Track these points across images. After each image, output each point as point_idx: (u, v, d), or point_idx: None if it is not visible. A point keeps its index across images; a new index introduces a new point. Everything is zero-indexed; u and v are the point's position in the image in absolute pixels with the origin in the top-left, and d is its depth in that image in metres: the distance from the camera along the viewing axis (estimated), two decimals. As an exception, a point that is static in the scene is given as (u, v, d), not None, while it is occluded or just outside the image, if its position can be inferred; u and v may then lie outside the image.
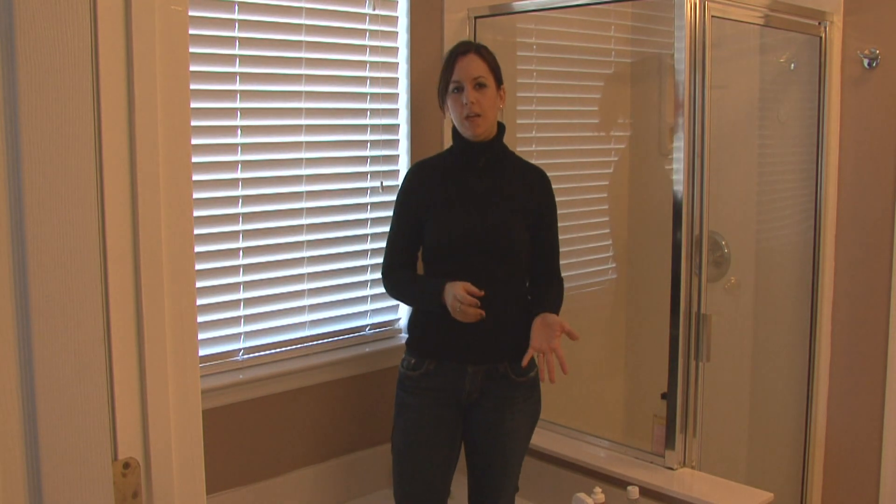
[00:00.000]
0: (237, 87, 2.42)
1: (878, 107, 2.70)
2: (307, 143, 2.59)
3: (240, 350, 2.51)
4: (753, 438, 3.14)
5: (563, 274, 2.40)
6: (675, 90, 2.39)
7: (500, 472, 2.29)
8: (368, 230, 2.78)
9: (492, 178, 2.29)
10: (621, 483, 2.43)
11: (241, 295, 2.49)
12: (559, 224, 2.38)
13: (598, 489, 2.33)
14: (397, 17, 2.81)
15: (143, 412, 0.90)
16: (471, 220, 2.24)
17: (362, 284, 2.79)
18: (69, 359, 0.81)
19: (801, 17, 2.74)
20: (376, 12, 2.73)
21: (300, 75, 2.56)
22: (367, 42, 2.73)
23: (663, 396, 2.49)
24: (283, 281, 2.59)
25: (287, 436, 2.61)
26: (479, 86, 2.22)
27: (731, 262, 3.04)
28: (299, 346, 2.64)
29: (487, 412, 2.27)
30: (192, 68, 2.00)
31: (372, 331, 2.84)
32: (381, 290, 2.75)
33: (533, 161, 2.42)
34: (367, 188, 2.76)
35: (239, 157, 2.44)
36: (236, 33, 2.40)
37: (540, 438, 2.38)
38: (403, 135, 2.85)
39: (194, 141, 2.16)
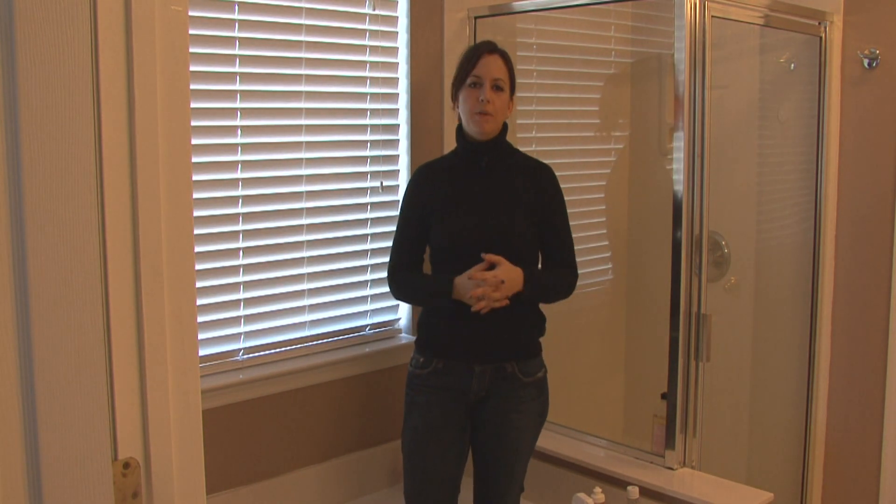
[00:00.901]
0: (237, 87, 2.42)
1: (878, 107, 2.70)
2: (307, 143, 2.59)
3: (240, 350, 2.51)
4: (753, 438, 3.14)
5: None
6: (675, 90, 2.39)
7: (506, 472, 2.30)
8: (368, 230, 2.78)
9: (497, 177, 2.30)
10: (621, 483, 2.43)
11: (241, 295, 2.50)
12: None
13: (598, 489, 2.33)
14: (397, 18, 2.81)
15: (143, 412, 0.90)
16: (476, 220, 2.25)
17: (362, 284, 2.79)
18: (69, 359, 0.81)
19: (801, 17, 2.74)
20: (376, 12, 2.73)
21: (300, 75, 2.56)
22: (366, 42, 2.73)
23: (663, 396, 2.50)
24: (283, 281, 2.59)
25: (287, 436, 2.61)
26: (497, 88, 2.25)
27: (731, 262, 3.04)
28: (299, 346, 2.64)
29: (495, 412, 2.28)
30: (192, 68, 2.00)
31: (372, 331, 2.84)
32: (382, 290, 2.75)
33: (534, 160, 2.42)
34: (366, 188, 2.76)
35: (239, 157, 2.44)
36: (236, 33, 2.41)
37: (540, 438, 2.38)
38: (403, 135, 2.85)
39: (194, 141, 2.16)
